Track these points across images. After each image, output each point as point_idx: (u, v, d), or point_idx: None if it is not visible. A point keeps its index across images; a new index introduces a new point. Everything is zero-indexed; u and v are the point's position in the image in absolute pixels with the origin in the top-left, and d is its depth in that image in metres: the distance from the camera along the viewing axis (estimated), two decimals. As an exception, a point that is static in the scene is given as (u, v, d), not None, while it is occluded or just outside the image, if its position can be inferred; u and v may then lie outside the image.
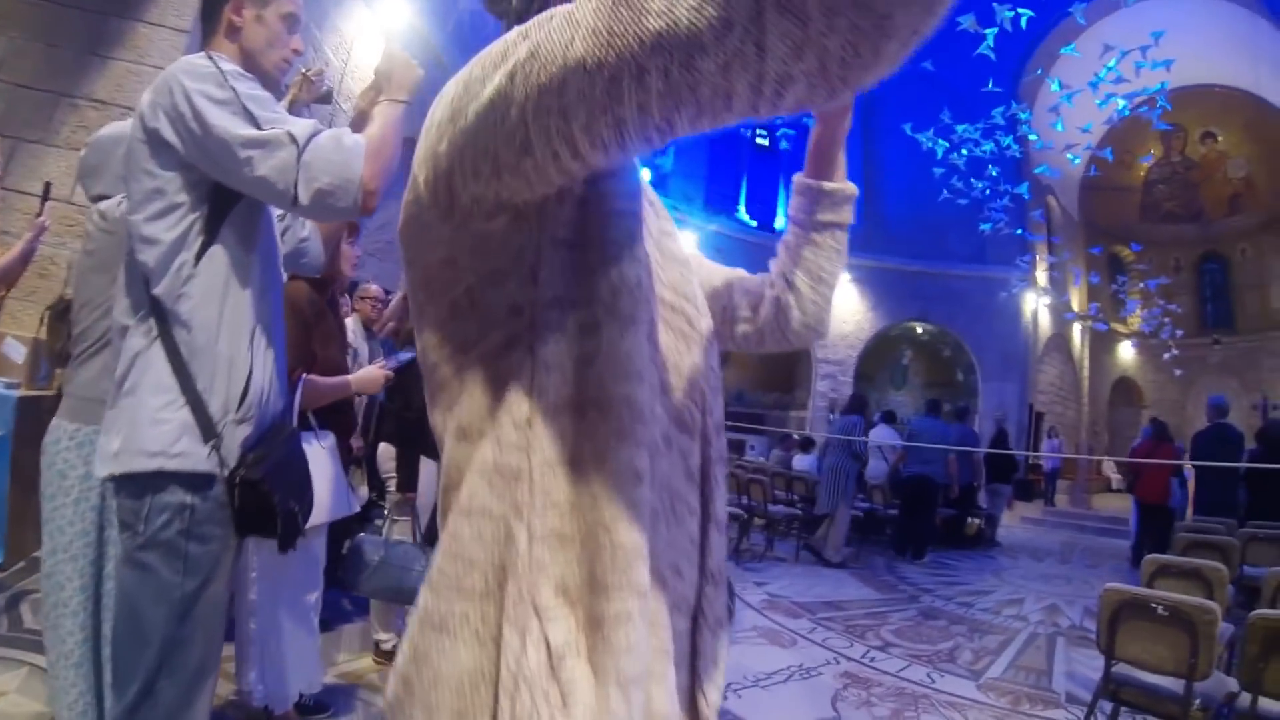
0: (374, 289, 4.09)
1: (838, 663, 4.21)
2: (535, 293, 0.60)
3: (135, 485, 1.28)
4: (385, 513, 3.14)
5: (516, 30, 0.56)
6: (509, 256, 0.61)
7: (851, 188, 0.99)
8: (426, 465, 3.04)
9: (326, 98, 2.09)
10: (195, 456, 1.29)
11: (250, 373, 1.38)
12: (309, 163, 1.29)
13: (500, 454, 0.58)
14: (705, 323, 0.78)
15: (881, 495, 8.85)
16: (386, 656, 3.04)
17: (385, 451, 3.32)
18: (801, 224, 0.99)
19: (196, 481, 1.29)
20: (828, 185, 0.97)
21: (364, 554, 2.50)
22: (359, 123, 1.59)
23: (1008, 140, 10.68)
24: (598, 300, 0.60)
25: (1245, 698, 2.39)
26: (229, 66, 1.36)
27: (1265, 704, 2.31)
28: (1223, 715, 2.45)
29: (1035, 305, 15.88)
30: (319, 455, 1.82)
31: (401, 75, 1.53)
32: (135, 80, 4.27)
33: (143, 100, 1.38)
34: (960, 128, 10.77)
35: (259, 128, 1.29)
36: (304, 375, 2.10)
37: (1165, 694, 2.58)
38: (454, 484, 0.61)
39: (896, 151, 13.91)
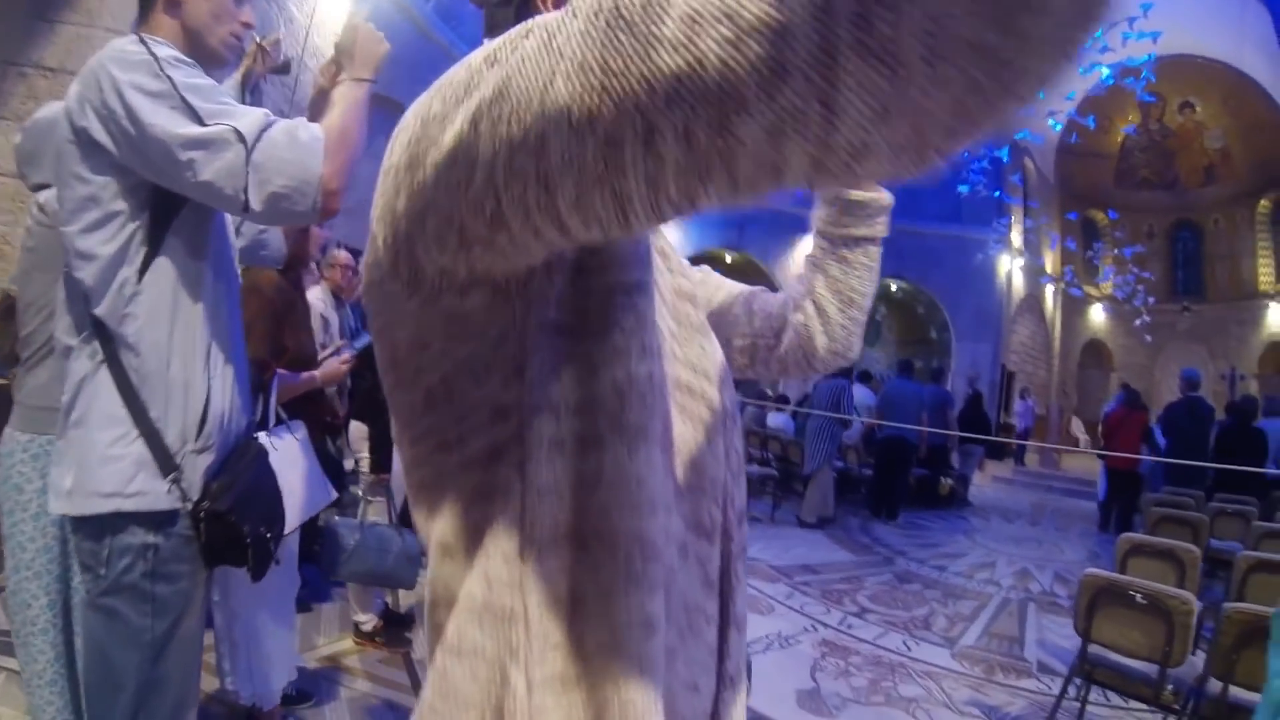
0: (343, 256, 3.95)
1: (816, 630, 4.27)
2: (523, 392, 0.50)
3: (92, 527, 1.17)
4: (359, 494, 3.08)
5: (483, 51, 0.44)
6: (489, 344, 0.50)
7: (886, 197, 0.88)
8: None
9: (285, 69, 1.91)
10: (154, 494, 1.18)
11: (208, 397, 1.25)
12: (260, 163, 1.14)
13: (490, 592, 0.49)
14: (729, 398, 0.67)
15: (856, 455, 8.95)
16: (366, 637, 3.02)
17: (357, 431, 3.22)
18: (828, 238, 0.89)
19: (158, 519, 1.19)
20: (857, 195, 0.86)
21: (340, 538, 2.46)
22: (319, 103, 1.44)
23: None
24: (600, 408, 0.49)
25: (1215, 681, 2.45)
26: (165, 51, 1.18)
27: (1235, 691, 2.36)
28: (1193, 699, 2.51)
29: (1010, 267, 15.99)
30: (291, 448, 1.75)
31: (365, 51, 1.37)
32: (86, 46, 3.99)
33: (70, 94, 1.22)
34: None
35: (201, 123, 1.14)
36: (277, 373, 2.02)
37: (1138, 676, 2.64)
38: (440, 601, 0.53)
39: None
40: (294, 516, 1.75)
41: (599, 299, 0.51)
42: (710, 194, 0.37)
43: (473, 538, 0.51)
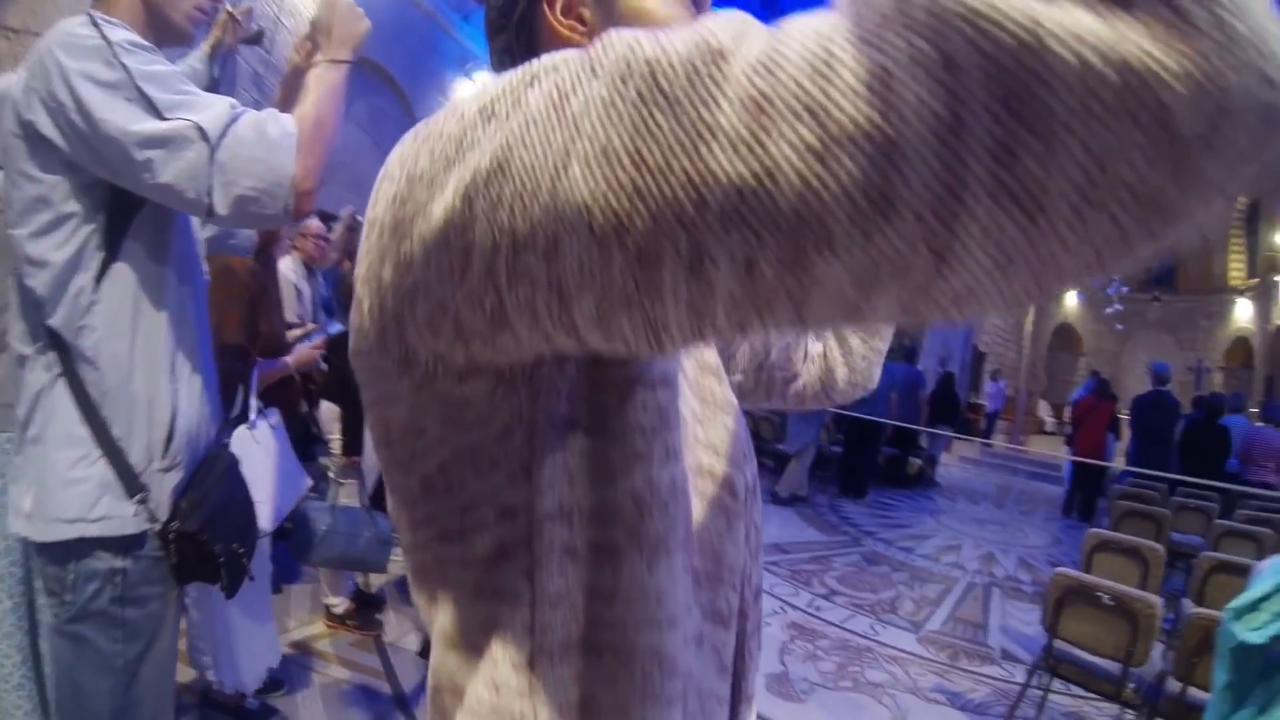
0: (315, 225, 3.82)
1: (785, 612, 4.32)
2: (531, 495, 0.44)
3: (55, 552, 1.10)
4: (330, 476, 3.03)
5: (477, 99, 0.38)
6: (491, 436, 0.44)
7: None
8: None
9: (257, 38, 1.80)
10: (120, 518, 1.11)
11: (175, 412, 1.17)
12: (226, 163, 1.04)
13: (498, 698, 0.46)
14: (751, 473, 0.62)
15: (826, 433, 9.02)
16: (337, 620, 2.99)
17: (328, 411, 3.12)
18: None
19: (125, 543, 1.12)
20: None
21: (311, 523, 2.41)
22: (292, 82, 1.32)
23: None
24: (618, 518, 0.45)
25: (1175, 680, 2.52)
26: (119, 34, 1.05)
27: (1193, 692, 2.42)
28: (1153, 696, 2.57)
29: None
30: (265, 437, 1.70)
31: (344, 28, 1.24)
32: (52, 6, 3.80)
33: (13, 81, 1.10)
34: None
35: (160, 116, 1.02)
36: (257, 363, 1.96)
37: (1101, 673, 2.70)
38: (444, 688, 0.50)
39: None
40: (268, 516, 1.71)
41: (617, 394, 0.46)
42: (769, 327, 0.32)
43: (478, 636, 0.47)
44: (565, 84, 0.34)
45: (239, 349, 1.93)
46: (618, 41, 0.33)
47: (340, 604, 2.98)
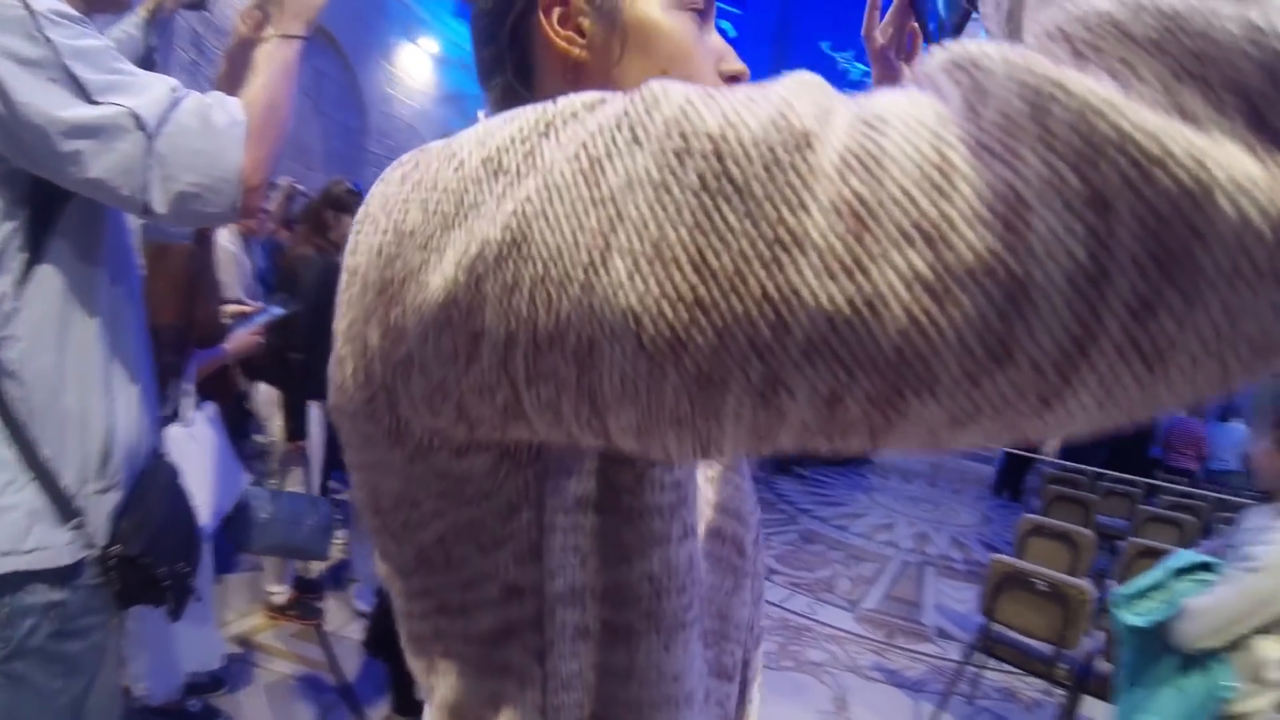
0: (255, 198, 3.65)
1: (728, 593, 4.38)
2: (540, 576, 0.41)
3: None
4: (267, 456, 2.91)
5: (480, 143, 0.33)
6: (495, 513, 0.40)
7: None
8: (314, 408, 2.81)
9: (200, 3, 1.68)
10: (54, 547, 0.99)
11: (110, 427, 1.05)
12: (165, 155, 0.92)
13: None
14: (756, 526, 0.60)
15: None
16: (278, 611, 2.89)
17: (266, 394, 2.90)
18: None
19: (62, 574, 1.00)
20: None
21: (251, 510, 2.31)
22: (237, 56, 1.17)
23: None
24: (632, 599, 0.42)
25: (1105, 660, 2.65)
26: (44, 4, 0.91)
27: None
28: (1083, 675, 2.71)
29: None
30: (202, 433, 1.60)
31: (297, 0, 1.11)
32: None
33: None
34: (881, 55, 10.82)
35: (90, 100, 0.90)
36: (195, 355, 1.84)
37: (1035, 654, 2.83)
38: None
39: (808, 65, 13.68)
40: (208, 519, 1.62)
41: (634, 473, 0.42)
42: (832, 449, 0.28)
43: (484, 710, 0.44)
44: (596, 146, 0.28)
45: (174, 340, 1.81)
46: (664, 101, 0.28)
47: (282, 593, 2.89)
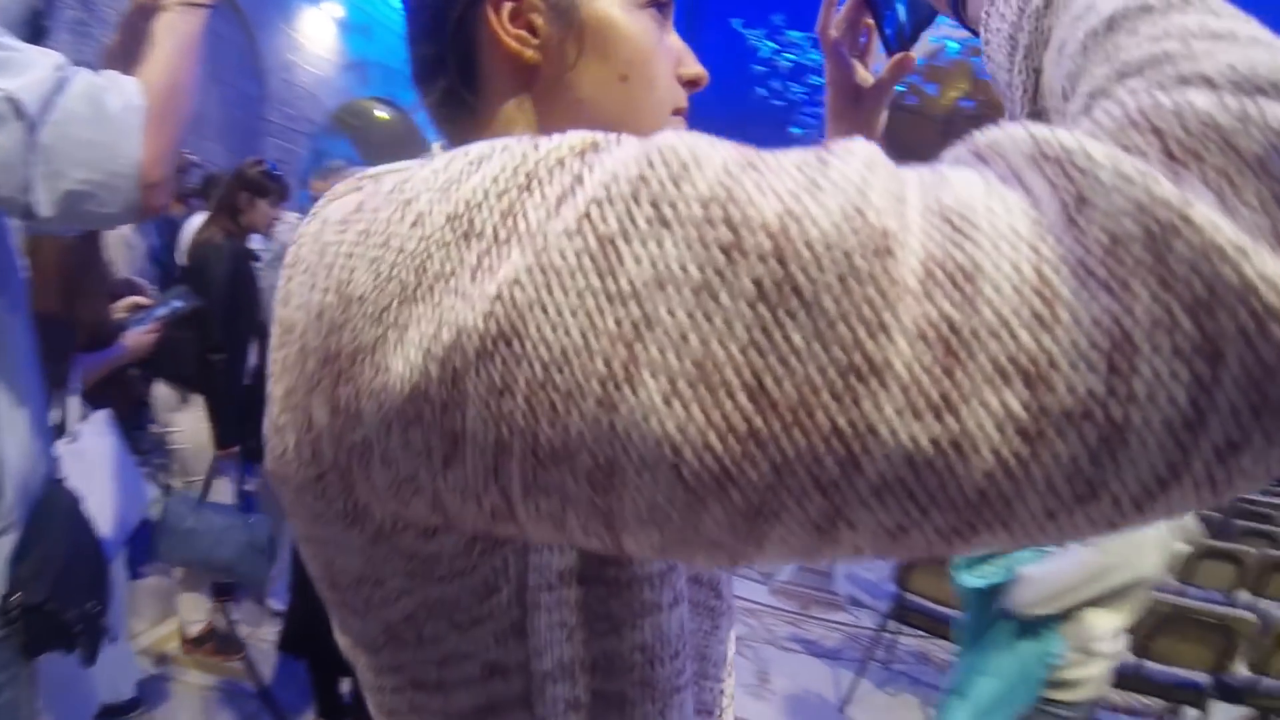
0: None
1: (650, 571, 4.44)
2: (526, 654, 0.38)
3: None
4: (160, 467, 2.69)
5: (441, 193, 0.28)
6: (471, 592, 0.37)
7: None
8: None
9: None
10: None
11: (0, 459, 0.92)
12: (51, 148, 0.79)
13: None
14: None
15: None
16: (194, 645, 2.62)
17: (166, 399, 2.55)
18: None
19: None
20: None
21: (170, 516, 2.15)
22: (133, 24, 1.00)
23: (841, 56, 11.08)
24: (625, 671, 0.40)
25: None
26: None
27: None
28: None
29: None
30: (94, 447, 1.44)
31: None
32: None
33: None
34: (792, 33, 10.94)
35: None
36: (78, 361, 1.66)
37: (946, 619, 2.99)
38: None
39: (719, 42, 13.77)
40: (114, 543, 1.49)
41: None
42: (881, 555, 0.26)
43: None
44: (606, 221, 0.24)
45: (56, 346, 1.63)
46: (695, 170, 0.24)
47: (197, 624, 2.63)
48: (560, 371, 0.24)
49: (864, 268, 0.21)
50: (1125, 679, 2.62)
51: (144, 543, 2.19)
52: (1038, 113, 0.34)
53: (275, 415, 0.35)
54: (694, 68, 0.52)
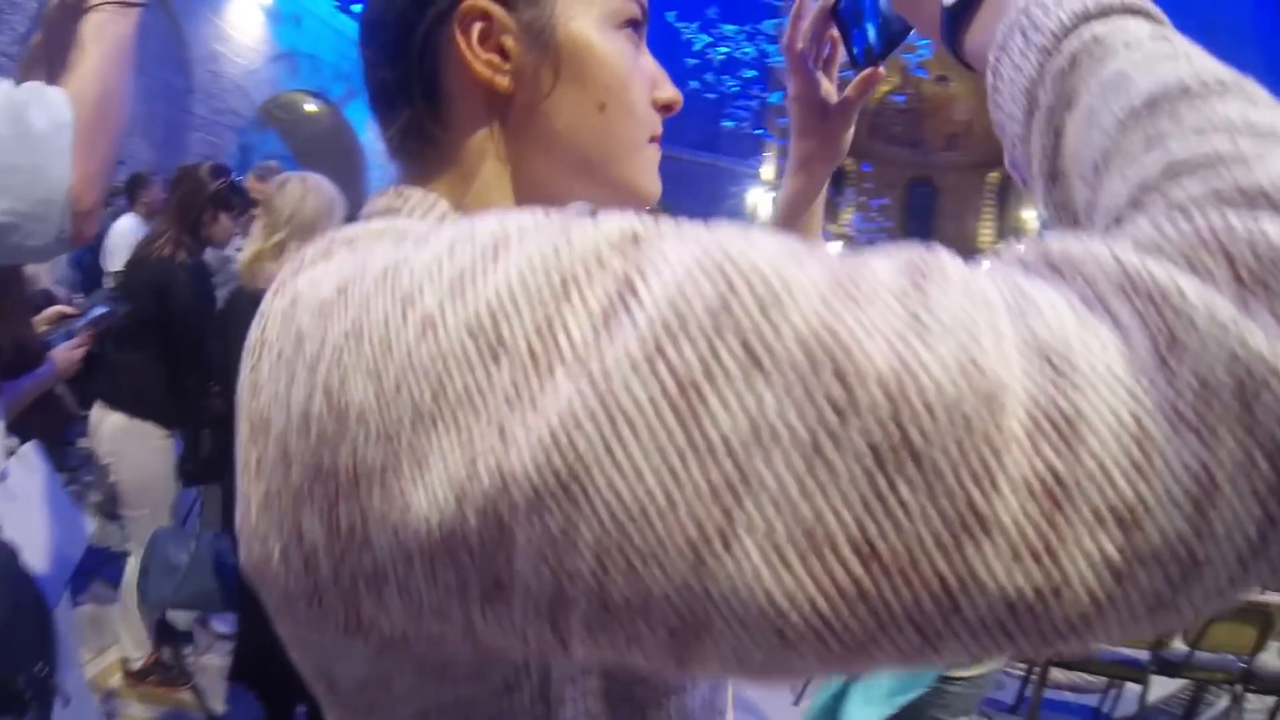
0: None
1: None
2: None
3: None
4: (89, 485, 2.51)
5: (449, 291, 0.25)
6: (491, 692, 0.34)
7: None
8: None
9: None
10: None
11: None
12: None
13: None
14: None
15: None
16: (137, 678, 2.46)
17: (110, 428, 2.30)
18: None
19: None
20: None
21: (168, 556, 1.99)
22: (58, 23, 0.89)
23: (772, 48, 11.17)
24: None
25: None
26: None
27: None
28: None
29: (758, 198, 16.96)
30: (23, 483, 1.33)
31: None
32: None
33: None
34: (726, 27, 11.06)
35: None
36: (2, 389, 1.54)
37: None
38: None
39: (653, 35, 13.71)
40: (55, 592, 1.39)
41: None
42: None
43: None
44: (684, 357, 0.22)
45: None
46: (788, 299, 0.22)
47: (142, 657, 2.46)
48: (638, 533, 0.22)
49: (980, 427, 0.21)
50: (1067, 657, 2.71)
51: (150, 589, 2.05)
52: (1055, 173, 0.32)
53: (253, 518, 0.31)
54: (669, 91, 0.50)
